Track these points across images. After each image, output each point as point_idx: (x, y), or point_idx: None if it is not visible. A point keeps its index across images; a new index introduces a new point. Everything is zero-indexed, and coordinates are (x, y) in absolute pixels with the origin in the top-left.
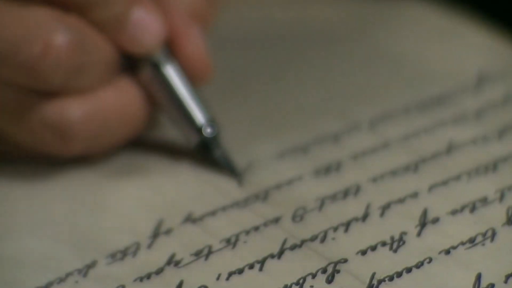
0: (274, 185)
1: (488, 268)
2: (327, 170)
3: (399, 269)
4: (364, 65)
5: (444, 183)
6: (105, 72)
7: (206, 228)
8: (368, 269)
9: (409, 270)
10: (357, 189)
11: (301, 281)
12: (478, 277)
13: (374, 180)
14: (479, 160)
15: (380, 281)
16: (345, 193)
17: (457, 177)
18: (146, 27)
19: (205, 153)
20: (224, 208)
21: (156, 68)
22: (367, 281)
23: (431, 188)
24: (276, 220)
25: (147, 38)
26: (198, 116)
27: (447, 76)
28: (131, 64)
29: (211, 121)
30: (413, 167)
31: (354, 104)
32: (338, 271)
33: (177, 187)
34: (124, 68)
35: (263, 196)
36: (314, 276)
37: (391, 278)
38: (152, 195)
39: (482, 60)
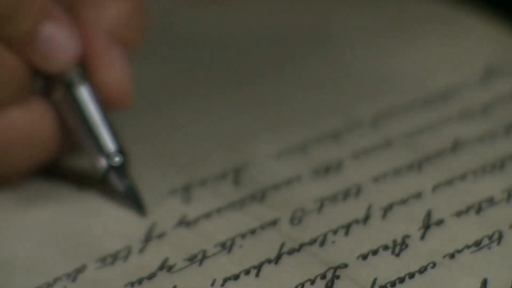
0: (271, 186)
1: (494, 273)
2: (327, 169)
3: (402, 275)
4: (366, 60)
5: (449, 182)
6: (14, 90)
7: (201, 231)
8: (369, 275)
9: (412, 275)
10: (358, 190)
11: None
12: (484, 282)
13: (376, 180)
14: (486, 158)
15: (381, 287)
16: (346, 194)
17: (463, 176)
18: (57, 44)
19: (111, 182)
20: (219, 210)
21: (68, 89)
22: (368, 287)
23: (435, 188)
24: (274, 223)
25: (58, 55)
26: (107, 143)
27: (453, 70)
28: (46, 84)
29: (120, 150)
30: (417, 166)
31: (355, 101)
32: (337, 277)
33: None
34: (39, 88)
35: (260, 197)
36: (313, 282)
37: (393, 284)
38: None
39: (489, 53)
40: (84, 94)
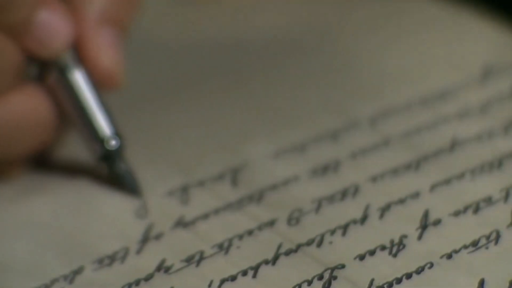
0: (269, 186)
1: (491, 273)
2: (325, 169)
3: (399, 275)
4: (365, 59)
5: (447, 182)
6: (11, 76)
7: (198, 232)
8: (366, 275)
9: (409, 275)
10: (355, 190)
11: None
12: (481, 283)
13: (374, 179)
14: (484, 157)
15: None
16: (343, 194)
17: (460, 176)
18: (52, 29)
19: (108, 166)
20: (216, 211)
21: (63, 74)
22: (365, 287)
23: (433, 187)
24: (271, 223)
25: (53, 40)
26: (103, 127)
27: (451, 70)
28: (40, 69)
29: (116, 134)
30: (415, 166)
31: (353, 100)
32: (335, 278)
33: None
34: (33, 73)
35: (258, 197)
36: (310, 283)
37: (390, 285)
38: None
39: (487, 52)
40: (79, 78)
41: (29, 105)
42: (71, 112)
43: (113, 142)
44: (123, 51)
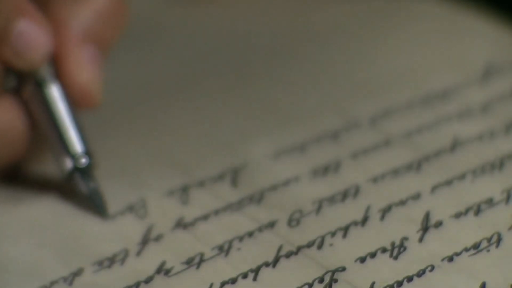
0: (269, 186)
1: (492, 276)
2: (325, 170)
3: (400, 278)
4: (366, 59)
5: (448, 183)
6: None
7: (198, 234)
8: (367, 278)
9: (410, 279)
10: (356, 190)
11: None
12: (483, 286)
13: (375, 180)
14: (485, 157)
15: None
16: (344, 195)
17: (462, 176)
18: (30, 40)
19: (76, 183)
20: (216, 212)
21: (39, 87)
22: None
23: (434, 188)
24: (271, 225)
25: (30, 51)
26: (74, 144)
27: (452, 69)
28: (17, 81)
29: (87, 152)
30: (416, 166)
31: (354, 100)
32: (335, 281)
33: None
34: (11, 85)
35: (258, 198)
36: (310, 286)
37: None
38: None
39: (488, 51)
40: (54, 92)
41: (5, 118)
42: (44, 127)
43: (83, 160)
44: (103, 70)
